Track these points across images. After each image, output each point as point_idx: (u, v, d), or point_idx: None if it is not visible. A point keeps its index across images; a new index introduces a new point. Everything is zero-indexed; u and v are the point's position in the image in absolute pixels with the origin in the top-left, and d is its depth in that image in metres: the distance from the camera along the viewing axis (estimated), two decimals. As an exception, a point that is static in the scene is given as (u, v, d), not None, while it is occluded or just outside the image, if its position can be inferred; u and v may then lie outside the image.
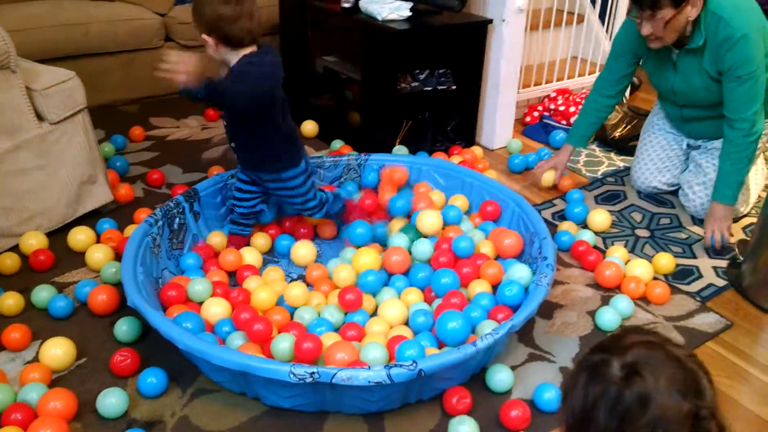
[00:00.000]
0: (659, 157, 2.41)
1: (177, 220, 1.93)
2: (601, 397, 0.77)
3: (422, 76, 2.68)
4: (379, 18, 2.48)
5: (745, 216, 2.33)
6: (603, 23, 3.30)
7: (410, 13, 2.53)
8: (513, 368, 1.58)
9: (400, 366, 1.34)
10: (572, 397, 0.81)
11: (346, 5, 2.67)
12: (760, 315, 1.86)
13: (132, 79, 3.12)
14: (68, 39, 2.89)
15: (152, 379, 1.48)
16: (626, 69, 2.29)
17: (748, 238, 2.07)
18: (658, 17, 1.89)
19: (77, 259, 1.97)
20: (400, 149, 2.56)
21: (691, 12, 1.90)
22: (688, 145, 2.38)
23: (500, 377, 1.52)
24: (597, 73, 3.23)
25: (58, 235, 2.04)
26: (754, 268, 1.92)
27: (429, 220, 1.97)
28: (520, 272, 1.76)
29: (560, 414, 0.85)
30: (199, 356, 1.40)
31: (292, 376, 1.31)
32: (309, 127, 2.87)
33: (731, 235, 2.11)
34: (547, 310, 1.81)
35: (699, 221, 2.30)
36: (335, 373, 1.31)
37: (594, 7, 3.28)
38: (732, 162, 2.04)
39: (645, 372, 0.76)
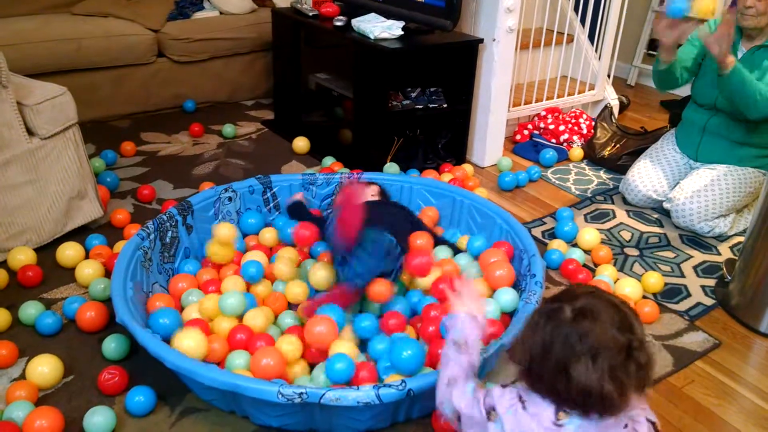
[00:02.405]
0: (660, 165, 2.47)
1: (170, 233, 1.93)
2: (556, 333, 0.96)
3: (414, 94, 2.69)
4: (372, 36, 2.51)
5: (732, 236, 2.36)
6: (592, 43, 3.34)
7: (402, 32, 2.55)
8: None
9: (389, 386, 1.33)
10: (533, 338, 0.99)
11: (339, 23, 2.70)
12: (748, 334, 1.87)
13: (123, 95, 3.13)
14: (60, 54, 2.89)
15: (140, 397, 1.47)
16: (691, 60, 2.35)
17: (736, 258, 2.09)
18: None
19: (66, 274, 1.96)
20: (391, 167, 2.57)
21: None
22: (690, 166, 2.44)
23: (490, 396, 1.51)
24: (586, 92, 3.28)
25: (46, 251, 2.03)
26: (742, 288, 1.93)
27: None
28: (506, 296, 1.75)
29: (518, 355, 1.03)
30: (188, 375, 1.39)
31: (280, 396, 1.31)
32: (300, 144, 2.88)
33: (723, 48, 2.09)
34: (537, 328, 1.81)
35: (687, 240, 2.32)
36: (324, 394, 1.31)
37: (583, 27, 3.32)
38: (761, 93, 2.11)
39: (590, 313, 0.96)
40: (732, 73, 2.10)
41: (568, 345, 0.94)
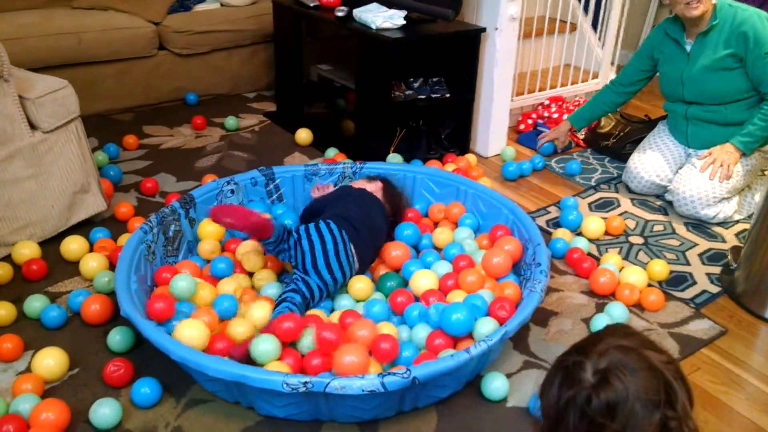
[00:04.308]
0: (660, 151, 2.48)
1: (173, 227, 1.93)
2: (572, 400, 0.78)
3: (416, 85, 2.68)
4: (374, 27, 2.49)
5: (738, 222, 2.35)
6: (595, 31, 3.32)
7: (404, 22, 2.54)
8: (508, 376, 1.58)
9: (394, 374, 1.33)
10: (548, 396, 0.82)
11: (340, 14, 2.69)
12: (754, 321, 1.86)
13: (125, 88, 3.12)
14: (61, 48, 2.88)
15: (146, 389, 1.47)
16: (641, 73, 2.51)
17: (742, 245, 2.08)
18: None
19: (70, 268, 1.96)
20: (394, 157, 2.57)
21: None
22: (687, 154, 2.44)
23: (495, 385, 1.52)
24: (590, 81, 3.26)
25: (50, 245, 2.03)
26: (748, 275, 1.93)
27: (423, 282, 1.80)
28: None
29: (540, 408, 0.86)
30: (193, 367, 1.39)
31: (285, 386, 1.31)
32: (303, 135, 2.87)
33: (729, 176, 2.24)
34: (542, 317, 1.81)
35: (693, 227, 2.31)
36: (328, 383, 1.31)
37: (586, 15, 3.29)
38: (762, 119, 2.21)
39: (615, 379, 0.76)
40: (749, 148, 2.25)
41: (585, 417, 0.77)
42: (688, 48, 2.30)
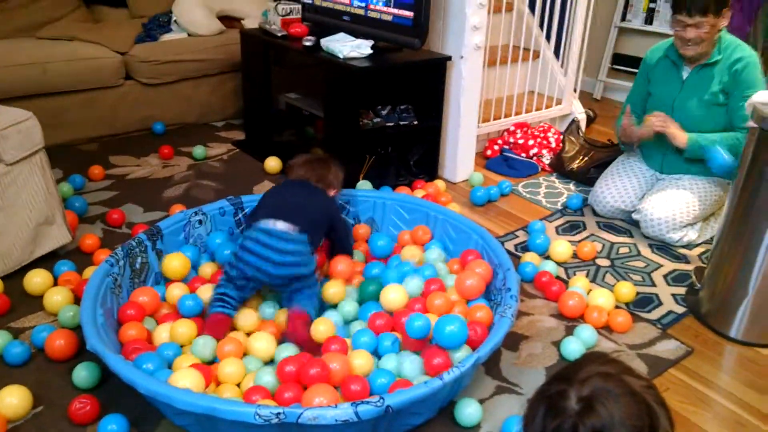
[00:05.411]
0: (627, 177, 2.51)
1: (139, 259, 1.90)
2: (558, 430, 0.79)
3: (384, 112, 2.71)
4: (341, 56, 2.52)
5: (700, 244, 2.40)
6: (558, 58, 3.40)
7: (371, 51, 2.57)
8: (481, 401, 1.58)
9: (368, 403, 1.33)
10: (532, 427, 0.83)
11: (308, 43, 2.71)
12: (719, 341, 1.90)
13: (91, 118, 3.09)
14: (26, 79, 2.85)
15: (113, 426, 1.43)
16: (645, 87, 2.50)
17: (705, 266, 2.13)
18: (705, 22, 2.15)
19: (34, 302, 1.91)
20: (363, 184, 2.58)
21: (720, 23, 2.19)
22: (656, 177, 2.49)
23: (468, 411, 1.52)
24: (553, 107, 3.34)
25: (13, 279, 1.98)
26: (712, 295, 1.97)
27: (394, 296, 1.82)
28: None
29: None
30: (162, 400, 1.36)
31: (257, 417, 1.29)
32: (272, 164, 2.87)
33: (660, 130, 2.32)
34: (513, 341, 1.82)
35: (657, 249, 2.36)
36: (301, 413, 1.30)
37: (549, 43, 3.38)
38: (722, 139, 2.25)
39: (600, 406, 0.77)
40: (693, 147, 2.28)
41: None
42: (685, 75, 2.33)
